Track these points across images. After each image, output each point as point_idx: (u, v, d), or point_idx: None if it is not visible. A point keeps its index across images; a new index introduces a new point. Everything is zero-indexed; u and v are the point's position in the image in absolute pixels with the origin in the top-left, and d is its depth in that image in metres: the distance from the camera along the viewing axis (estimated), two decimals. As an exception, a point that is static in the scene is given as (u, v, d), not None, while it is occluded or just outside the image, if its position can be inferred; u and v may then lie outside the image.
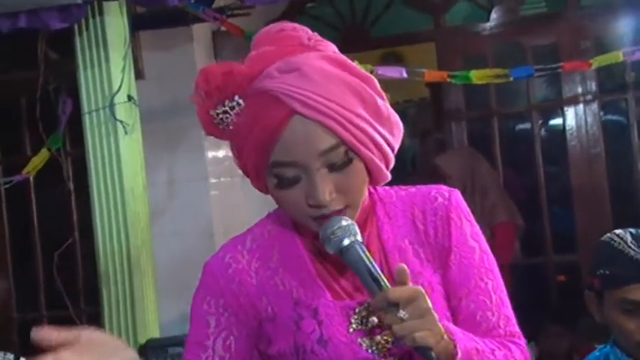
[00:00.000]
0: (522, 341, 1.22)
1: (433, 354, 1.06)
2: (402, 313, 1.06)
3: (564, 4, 4.11)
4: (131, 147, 2.98)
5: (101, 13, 2.95)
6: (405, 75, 3.13)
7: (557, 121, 4.22)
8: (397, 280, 1.09)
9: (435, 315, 1.08)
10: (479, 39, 4.15)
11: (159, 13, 3.46)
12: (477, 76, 3.09)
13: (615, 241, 1.71)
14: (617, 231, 1.73)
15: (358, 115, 1.13)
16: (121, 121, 2.92)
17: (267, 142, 1.13)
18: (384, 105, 1.17)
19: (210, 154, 3.79)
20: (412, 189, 1.28)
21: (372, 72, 2.35)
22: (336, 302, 1.20)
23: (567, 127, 4.09)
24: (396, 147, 1.20)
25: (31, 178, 3.46)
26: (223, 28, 3.84)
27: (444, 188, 1.27)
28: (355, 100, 1.14)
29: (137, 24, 3.22)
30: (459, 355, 1.10)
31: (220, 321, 1.23)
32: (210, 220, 3.70)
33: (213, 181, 3.79)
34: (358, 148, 1.14)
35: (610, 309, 1.70)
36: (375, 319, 1.19)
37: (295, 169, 1.13)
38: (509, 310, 1.22)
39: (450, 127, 4.24)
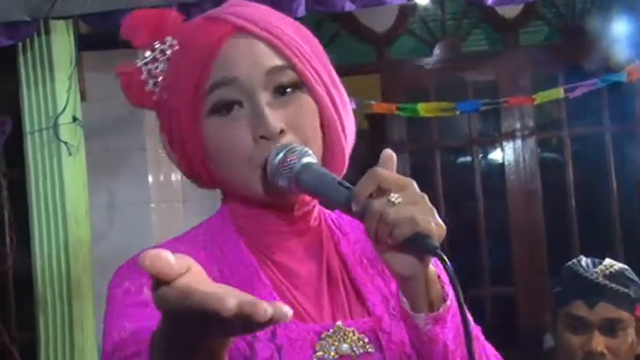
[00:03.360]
0: None
1: (435, 242, 0.87)
2: (394, 197, 0.88)
3: (503, 43, 4.22)
4: (75, 169, 2.90)
5: (47, 32, 2.89)
6: (353, 106, 3.14)
7: (496, 156, 4.30)
8: (383, 165, 0.92)
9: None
10: (422, 73, 4.21)
11: (103, 34, 3.40)
12: (424, 108, 3.13)
13: (574, 263, 1.78)
14: (582, 257, 1.80)
15: (310, 54, 1.03)
16: (65, 142, 2.85)
17: (204, 60, 0.98)
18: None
19: (152, 177, 3.72)
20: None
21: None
22: (299, 324, 1.01)
23: (506, 162, 4.18)
24: (350, 131, 1.08)
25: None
26: (168, 52, 3.80)
27: None
28: (310, 47, 1.04)
29: (81, 44, 3.15)
30: (449, 299, 0.96)
31: None
32: (151, 246, 3.62)
33: (154, 205, 3.71)
34: (307, 78, 1.01)
35: (559, 327, 1.76)
36: (344, 346, 1.00)
37: (237, 90, 0.98)
38: None
39: (392, 158, 4.25)
